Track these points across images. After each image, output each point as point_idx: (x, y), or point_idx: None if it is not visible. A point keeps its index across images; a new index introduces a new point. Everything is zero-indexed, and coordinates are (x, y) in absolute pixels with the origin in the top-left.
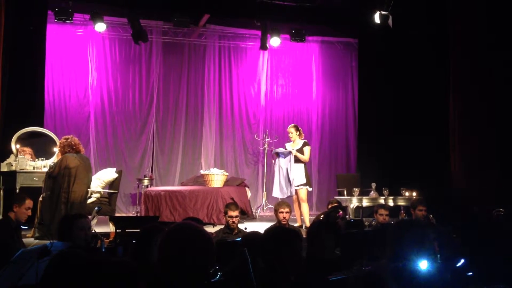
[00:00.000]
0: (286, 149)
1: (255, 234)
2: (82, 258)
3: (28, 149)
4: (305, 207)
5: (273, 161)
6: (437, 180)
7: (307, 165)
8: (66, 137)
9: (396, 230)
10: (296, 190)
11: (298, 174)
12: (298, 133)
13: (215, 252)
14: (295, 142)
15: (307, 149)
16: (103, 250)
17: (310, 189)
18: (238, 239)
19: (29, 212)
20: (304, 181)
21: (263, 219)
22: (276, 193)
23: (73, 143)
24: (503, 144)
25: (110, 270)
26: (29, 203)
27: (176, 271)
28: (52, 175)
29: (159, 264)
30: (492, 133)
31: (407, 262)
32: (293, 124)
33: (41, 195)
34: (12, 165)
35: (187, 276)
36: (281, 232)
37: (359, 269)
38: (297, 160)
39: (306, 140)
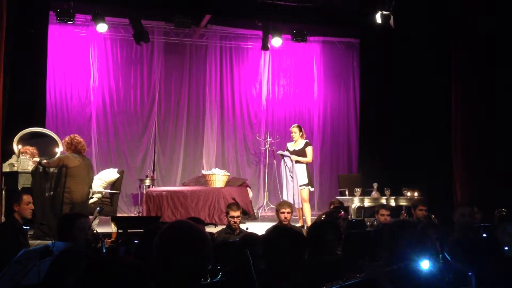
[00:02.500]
0: (288, 149)
1: (253, 235)
2: (89, 258)
3: (31, 148)
4: (306, 207)
5: (274, 161)
6: (439, 180)
7: (309, 165)
8: (71, 136)
9: (391, 233)
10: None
11: (300, 174)
12: (301, 133)
13: (211, 248)
14: (297, 142)
15: (309, 150)
16: (104, 250)
17: (312, 189)
18: None
19: (31, 206)
20: (306, 181)
21: (264, 219)
22: (286, 197)
23: (75, 142)
24: (505, 144)
25: (121, 271)
26: (27, 198)
27: (173, 270)
28: (46, 167)
29: (157, 264)
30: (494, 134)
31: (406, 263)
32: (296, 124)
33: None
34: (14, 166)
35: (185, 274)
36: (285, 232)
37: (354, 277)
38: (299, 160)
39: (308, 140)
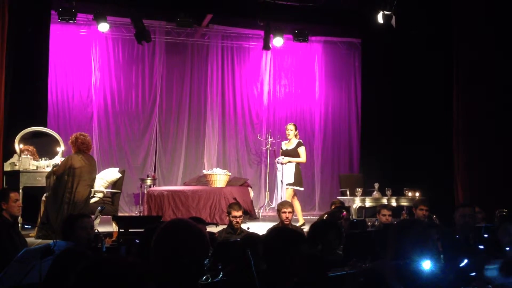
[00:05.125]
0: (281, 148)
1: (254, 235)
2: (90, 257)
3: (31, 148)
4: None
5: (276, 163)
6: (440, 180)
7: (302, 165)
8: (77, 134)
9: (397, 230)
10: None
11: (288, 173)
12: (295, 132)
13: (209, 245)
14: (290, 141)
15: (302, 150)
16: (104, 250)
17: (301, 189)
18: None
19: (19, 203)
20: (292, 180)
21: (265, 219)
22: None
23: (80, 141)
24: (506, 144)
25: (120, 270)
26: (14, 195)
27: (171, 267)
28: (56, 175)
29: (155, 262)
30: (495, 134)
31: (409, 261)
32: (293, 122)
33: (44, 194)
34: (15, 165)
35: (183, 271)
36: (287, 232)
37: (359, 266)
38: (291, 161)
39: (300, 140)
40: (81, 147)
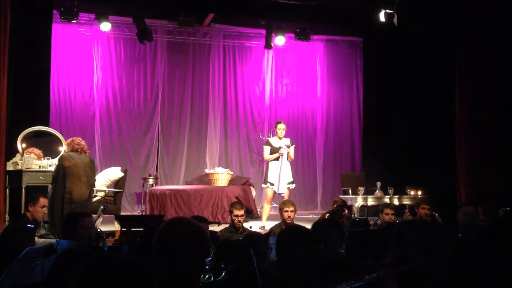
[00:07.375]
0: (271, 143)
1: (256, 234)
2: (92, 256)
3: (37, 150)
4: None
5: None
6: (442, 179)
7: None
8: (72, 138)
9: (399, 230)
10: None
11: (289, 171)
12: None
13: (209, 243)
14: (282, 139)
15: (293, 150)
16: (105, 249)
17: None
18: None
19: (45, 210)
20: (291, 179)
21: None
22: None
23: (75, 142)
24: (509, 143)
25: (123, 269)
26: (43, 201)
27: (172, 266)
28: (54, 174)
29: (156, 260)
30: (498, 132)
31: (413, 263)
32: (283, 121)
33: (47, 194)
34: (18, 164)
35: (184, 270)
36: (297, 231)
37: (362, 278)
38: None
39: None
40: (75, 147)
